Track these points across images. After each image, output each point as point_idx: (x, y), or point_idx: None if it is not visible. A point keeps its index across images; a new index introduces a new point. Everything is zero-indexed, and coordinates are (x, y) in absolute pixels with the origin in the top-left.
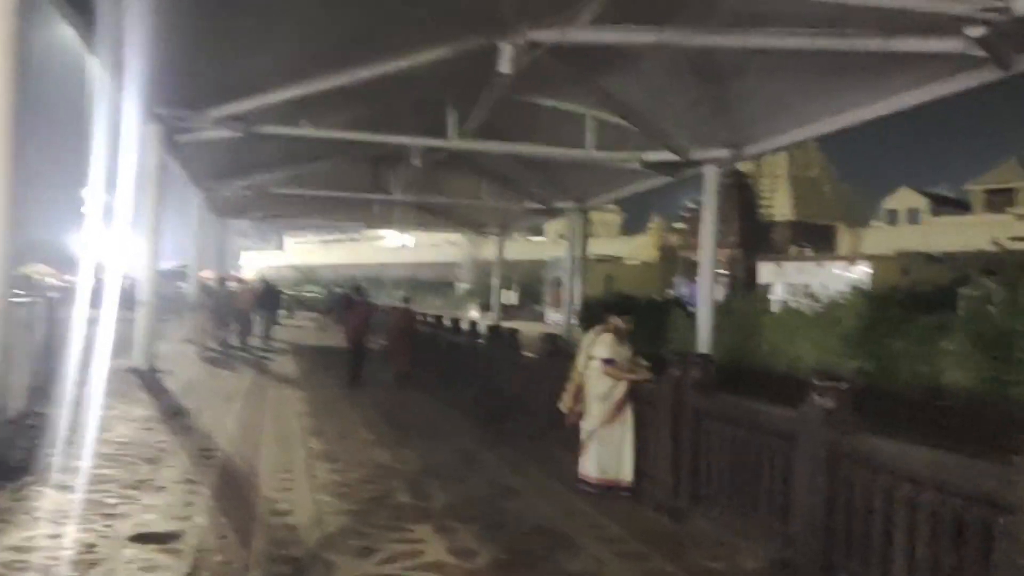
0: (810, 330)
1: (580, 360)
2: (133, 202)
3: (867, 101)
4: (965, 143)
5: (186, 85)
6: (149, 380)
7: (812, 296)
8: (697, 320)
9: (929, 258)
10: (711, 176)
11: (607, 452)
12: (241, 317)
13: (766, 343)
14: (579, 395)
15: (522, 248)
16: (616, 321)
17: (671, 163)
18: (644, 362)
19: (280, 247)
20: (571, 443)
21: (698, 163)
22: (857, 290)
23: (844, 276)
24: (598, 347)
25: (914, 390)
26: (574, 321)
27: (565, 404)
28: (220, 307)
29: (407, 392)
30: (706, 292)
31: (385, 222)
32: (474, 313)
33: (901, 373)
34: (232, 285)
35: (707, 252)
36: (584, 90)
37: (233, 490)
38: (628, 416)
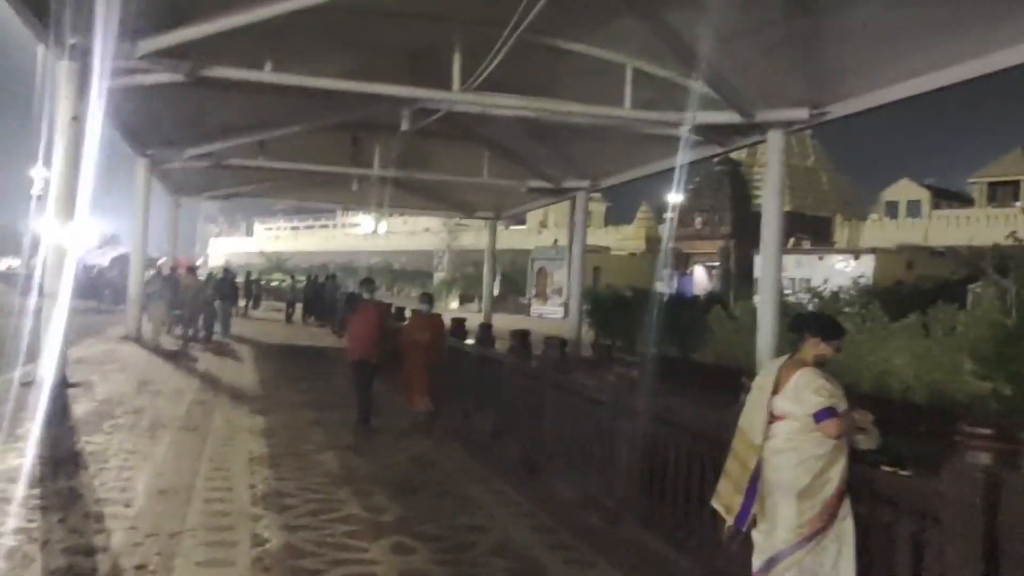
0: (903, 338)
1: (753, 420)
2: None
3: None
4: (962, 137)
5: (111, 5)
6: (52, 400)
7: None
8: (759, 324)
9: (932, 252)
10: (776, 144)
11: None
12: (193, 309)
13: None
14: (753, 486)
15: (502, 237)
16: (822, 348)
17: (728, 127)
18: (867, 415)
19: (249, 233)
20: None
21: (764, 126)
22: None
23: (846, 270)
24: (805, 393)
25: None
26: (563, 316)
27: (722, 502)
28: (175, 298)
29: (429, 440)
30: (770, 289)
31: (364, 203)
32: (454, 305)
33: None
34: (181, 272)
35: (772, 238)
36: (626, 30)
37: None
38: (847, 514)
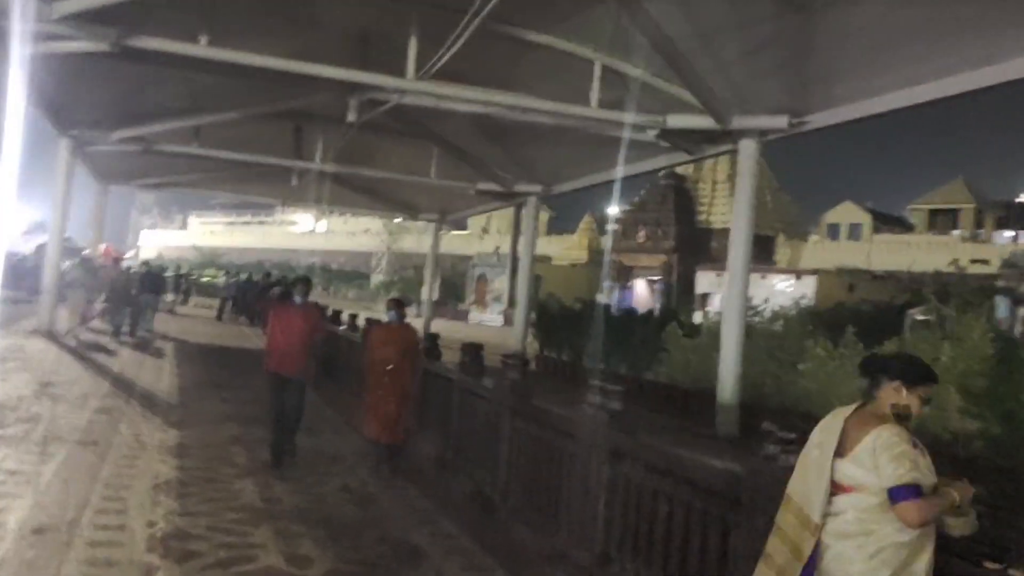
0: None
1: (809, 489)
2: None
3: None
4: (896, 164)
5: None
6: None
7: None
8: (722, 343)
9: (874, 276)
10: (748, 153)
11: None
12: (116, 302)
13: (804, 378)
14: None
15: (443, 241)
16: (904, 397)
17: (699, 132)
18: (968, 490)
19: (184, 227)
20: None
21: (737, 134)
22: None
23: (787, 291)
24: (882, 459)
25: None
26: (502, 324)
27: None
28: (95, 289)
29: (391, 492)
30: (735, 309)
31: (305, 199)
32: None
33: None
34: (99, 261)
35: (740, 254)
36: (597, 22)
37: None
38: None
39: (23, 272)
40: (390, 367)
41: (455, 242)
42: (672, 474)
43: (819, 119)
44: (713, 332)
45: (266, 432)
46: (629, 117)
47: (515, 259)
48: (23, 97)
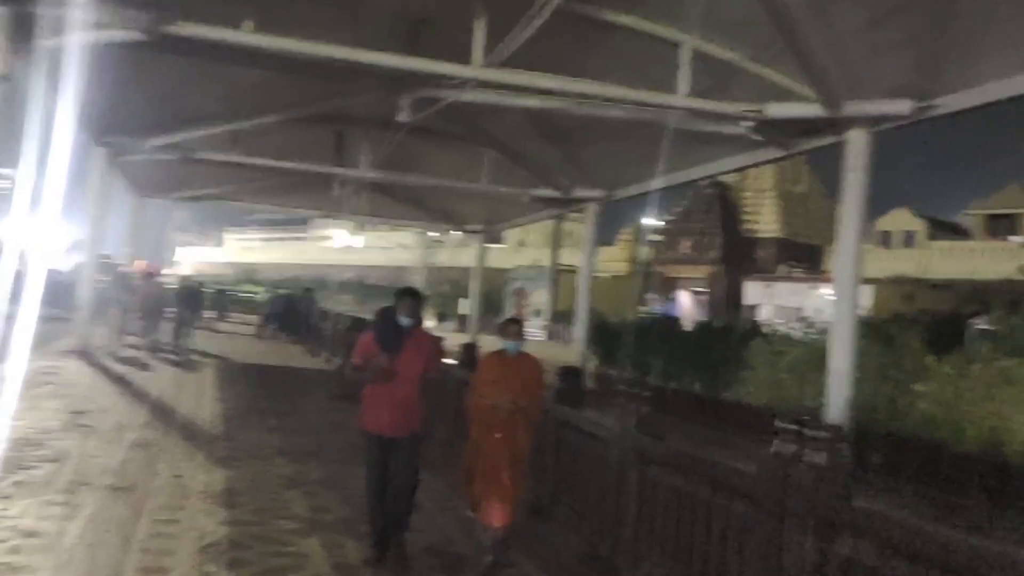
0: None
1: None
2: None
3: None
4: (957, 170)
5: None
6: None
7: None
8: (830, 360)
9: (932, 285)
10: (859, 145)
11: None
12: (152, 318)
13: (928, 401)
14: None
15: (473, 255)
16: None
17: (799, 123)
18: None
19: (219, 243)
20: None
21: (845, 123)
22: None
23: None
24: None
25: None
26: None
27: None
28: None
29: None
30: (846, 323)
31: (345, 210)
32: (431, 324)
33: None
34: (136, 278)
35: (848, 261)
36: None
37: None
38: None
39: (62, 289)
40: (504, 417)
41: (491, 255)
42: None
43: (951, 102)
44: (811, 347)
45: (323, 471)
46: (722, 107)
47: (556, 271)
48: (59, 104)
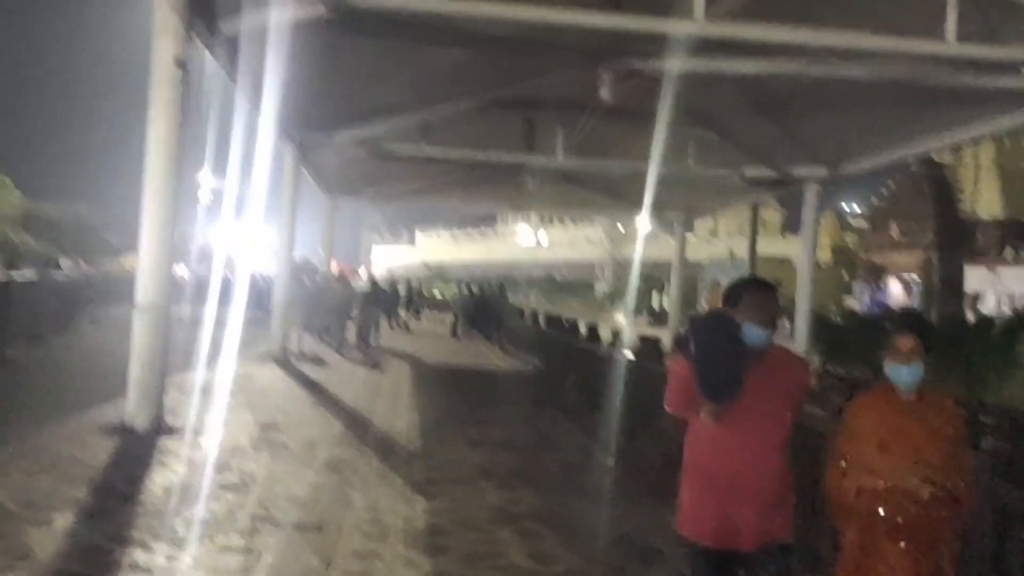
0: None
1: None
2: None
3: None
4: None
5: None
6: (135, 453)
7: None
8: None
9: None
10: None
11: None
12: (336, 318)
13: None
14: None
15: (669, 246)
16: None
17: None
18: None
19: (411, 242)
20: None
21: None
22: None
23: None
24: None
25: None
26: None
27: None
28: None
29: None
30: None
31: (534, 204)
32: (620, 319)
33: None
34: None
35: None
36: None
37: None
38: None
39: (265, 292)
40: (915, 511)
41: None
42: None
43: None
44: None
45: (539, 499)
46: (998, 52)
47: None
48: (242, 95)
